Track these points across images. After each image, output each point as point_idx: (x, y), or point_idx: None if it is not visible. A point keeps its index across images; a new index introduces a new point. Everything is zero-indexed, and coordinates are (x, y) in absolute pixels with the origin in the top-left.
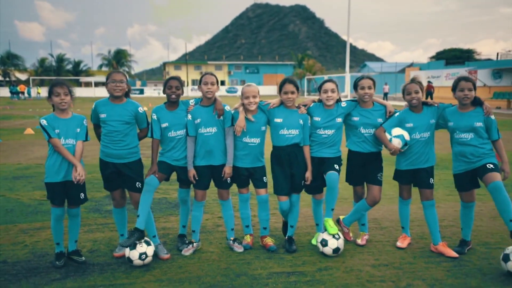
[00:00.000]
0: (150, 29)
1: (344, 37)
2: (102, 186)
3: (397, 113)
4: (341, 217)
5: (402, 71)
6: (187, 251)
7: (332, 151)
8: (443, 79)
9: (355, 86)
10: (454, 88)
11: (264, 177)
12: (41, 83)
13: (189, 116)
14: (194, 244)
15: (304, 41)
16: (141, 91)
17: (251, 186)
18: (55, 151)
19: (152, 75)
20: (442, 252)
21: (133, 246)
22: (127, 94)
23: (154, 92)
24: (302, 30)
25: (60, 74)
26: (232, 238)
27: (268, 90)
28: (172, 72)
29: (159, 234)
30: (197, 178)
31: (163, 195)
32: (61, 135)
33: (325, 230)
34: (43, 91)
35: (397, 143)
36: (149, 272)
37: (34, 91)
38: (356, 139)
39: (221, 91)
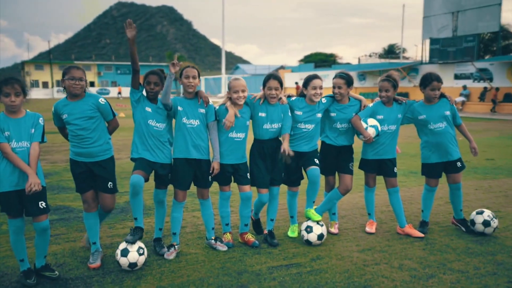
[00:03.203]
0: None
1: (212, 40)
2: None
3: (371, 104)
4: (314, 207)
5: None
6: (170, 254)
7: (310, 145)
8: None
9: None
10: (425, 86)
11: (247, 173)
12: None
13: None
14: (176, 246)
15: (173, 43)
16: None
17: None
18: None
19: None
20: (409, 234)
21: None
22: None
23: None
24: (170, 31)
25: None
26: (213, 238)
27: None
28: (32, 72)
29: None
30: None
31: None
32: (12, 137)
33: (309, 219)
34: None
35: (371, 132)
36: (143, 279)
37: None
38: (332, 134)
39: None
